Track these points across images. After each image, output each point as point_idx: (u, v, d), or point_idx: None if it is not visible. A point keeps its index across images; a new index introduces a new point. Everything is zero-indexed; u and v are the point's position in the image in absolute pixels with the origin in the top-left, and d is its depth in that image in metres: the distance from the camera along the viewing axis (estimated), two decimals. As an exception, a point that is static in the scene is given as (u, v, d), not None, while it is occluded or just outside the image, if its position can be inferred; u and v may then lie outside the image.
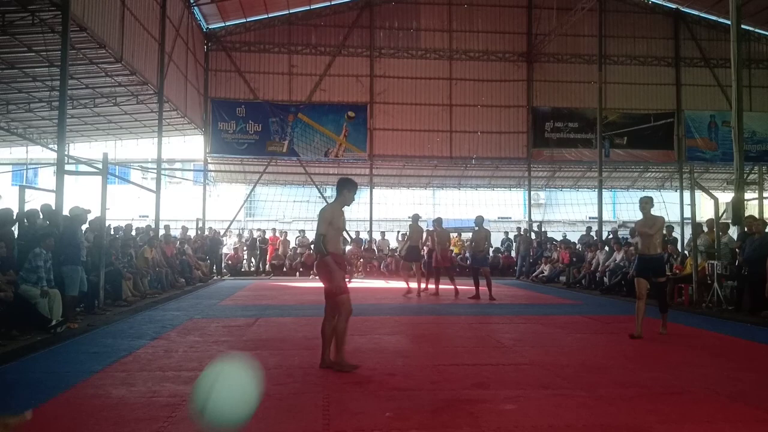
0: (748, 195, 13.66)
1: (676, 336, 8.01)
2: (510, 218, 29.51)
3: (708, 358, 6.65)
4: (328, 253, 5.62)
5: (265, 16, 22.31)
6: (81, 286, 8.83)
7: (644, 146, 23.49)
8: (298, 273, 19.72)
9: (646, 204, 7.79)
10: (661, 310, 7.99)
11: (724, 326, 8.99)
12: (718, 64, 23.46)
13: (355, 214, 22.57)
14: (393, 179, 24.47)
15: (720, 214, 12.27)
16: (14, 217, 9.32)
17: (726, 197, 17.03)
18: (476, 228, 13.19)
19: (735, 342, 7.77)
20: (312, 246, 20.55)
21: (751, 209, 14.65)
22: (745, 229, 11.14)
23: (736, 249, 11.10)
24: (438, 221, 13.98)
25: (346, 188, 5.86)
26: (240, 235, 22.60)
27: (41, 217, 9.48)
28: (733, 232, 12.23)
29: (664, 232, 9.44)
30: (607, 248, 16.01)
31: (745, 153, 12.24)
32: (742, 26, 14.09)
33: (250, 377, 2.42)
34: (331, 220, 5.67)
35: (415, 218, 13.65)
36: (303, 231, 22.20)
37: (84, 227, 10.12)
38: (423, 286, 13.58)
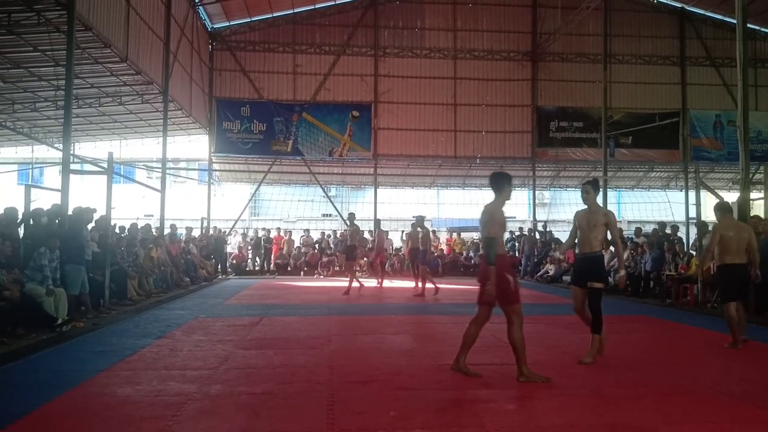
0: (753, 195, 13.60)
1: (680, 336, 7.99)
2: (515, 218, 29.41)
3: (713, 358, 6.63)
4: (497, 257, 5.24)
5: (270, 15, 22.34)
6: (82, 288, 8.86)
7: (649, 146, 23.42)
8: (302, 272, 19.73)
9: (588, 191, 6.14)
10: (592, 329, 6.01)
11: (730, 326, 8.93)
12: (724, 63, 23.36)
13: (359, 213, 22.59)
14: (397, 179, 24.47)
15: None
16: (19, 217, 9.36)
17: (731, 197, 16.99)
18: (415, 227, 13.44)
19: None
20: (317, 245, 20.64)
21: (757, 209, 14.60)
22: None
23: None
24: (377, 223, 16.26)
25: (506, 183, 5.46)
26: (245, 235, 22.65)
27: (45, 216, 9.51)
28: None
29: (617, 230, 6.33)
30: (612, 248, 15.95)
31: (750, 152, 12.15)
32: (748, 25, 14.01)
33: None
34: (502, 220, 5.31)
35: (420, 220, 13.56)
36: (308, 230, 22.25)
37: (90, 226, 10.16)
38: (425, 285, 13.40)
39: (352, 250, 13.59)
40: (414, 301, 12.35)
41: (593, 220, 6.00)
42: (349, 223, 13.86)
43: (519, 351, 5.23)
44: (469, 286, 13.57)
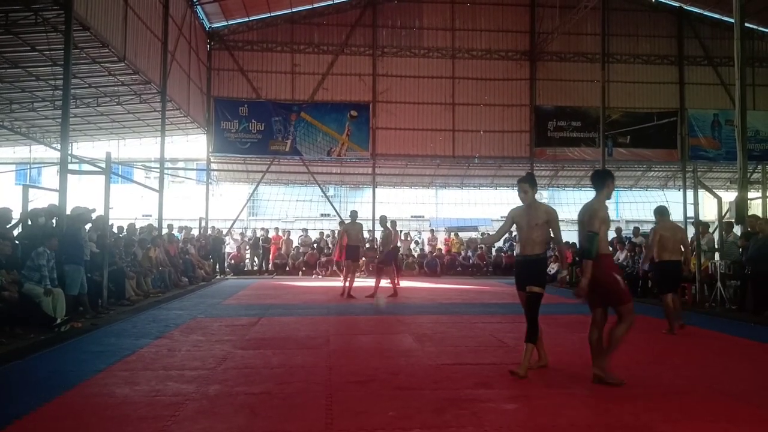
0: (751, 194, 13.65)
1: (679, 335, 7.99)
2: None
3: (711, 357, 6.64)
4: (603, 257, 5.12)
5: (268, 15, 22.31)
6: (80, 288, 8.85)
7: (647, 145, 23.44)
8: (300, 272, 19.73)
9: (525, 190, 5.66)
10: (526, 336, 5.49)
11: (728, 326, 8.96)
12: (722, 62, 23.37)
13: (359, 213, 22.54)
14: (396, 178, 24.47)
15: (723, 214, 12.25)
16: (12, 216, 9.32)
17: (729, 196, 16.99)
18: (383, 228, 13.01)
19: (738, 342, 7.75)
20: (315, 245, 20.63)
21: (755, 208, 14.63)
22: (749, 229, 11.12)
23: (740, 248, 11.08)
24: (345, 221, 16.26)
25: (609, 179, 5.35)
26: (242, 234, 22.63)
27: (43, 216, 9.49)
28: (736, 230, 12.20)
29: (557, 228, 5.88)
30: (610, 247, 15.96)
31: (748, 152, 12.18)
32: (746, 24, 14.03)
33: None
34: (605, 217, 5.15)
35: (384, 219, 13.11)
36: (306, 230, 22.24)
37: (87, 226, 10.14)
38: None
39: (356, 251, 13.08)
40: (413, 301, 12.34)
41: (533, 219, 5.50)
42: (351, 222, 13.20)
43: (611, 349, 5.14)
44: (468, 287, 13.57)
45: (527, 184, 5.64)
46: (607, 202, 5.32)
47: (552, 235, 5.60)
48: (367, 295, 12.41)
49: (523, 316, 5.61)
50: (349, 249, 12.98)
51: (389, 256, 12.90)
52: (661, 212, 8.41)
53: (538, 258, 5.49)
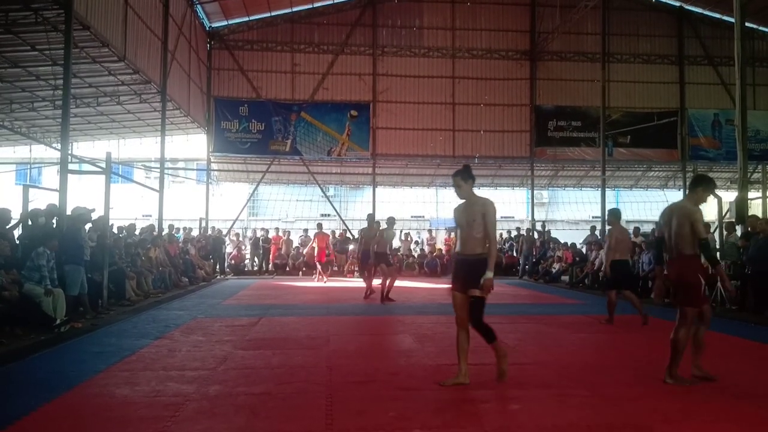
0: (751, 194, 13.64)
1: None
2: (513, 217, 29.49)
3: (712, 357, 6.61)
4: (693, 259, 5.14)
5: (268, 14, 22.31)
6: (81, 288, 8.85)
7: (647, 145, 23.44)
8: (300, 272, 19.72)
9: (459, 184, 5.28)
10: (486, 339, 5.12)
11: (728, 326, 8.96)
12: (722, 62, 23.35)
13: (358, 213, 22.59)
14: (396, 178, 24.46)
15: (724, 214, 12.24)
16: (12, 217, 9.32)
17: (730, 196, 17.00)
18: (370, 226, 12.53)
19: (739, 342, 7.75)
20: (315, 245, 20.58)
21: (755, 208, 14.62)
22: (749, 229, 11.11)
23: (740, 248, 11.07)
24: (319, 225, 18.06)
25: (702, 186, 5.30)
26: (238, 235, 22.63)
27: (43, 216, 9.49)
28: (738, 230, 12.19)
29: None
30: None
31: (748, 152, 12.20)
32: (746, 24, 14.03)
33: None
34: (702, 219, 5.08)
35: (371, 218, 12.85)
36: (306, 230, 22.22)
37: (87, 226, 10.14)
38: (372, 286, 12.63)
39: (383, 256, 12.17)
40: (414, 301, 12.33)
41: (471, 215, 5.09)
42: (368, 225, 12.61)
43: (678, 352, 5.11)
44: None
45: (458, 178, 5.24)
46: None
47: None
48: (386, 299, 11.74)
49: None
50: (376, 254, 12.00)
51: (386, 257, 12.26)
52: (617, 216, 9.15)
53: (479, 258, 5.01)
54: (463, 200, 5.27)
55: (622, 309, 11.12)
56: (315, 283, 16.76)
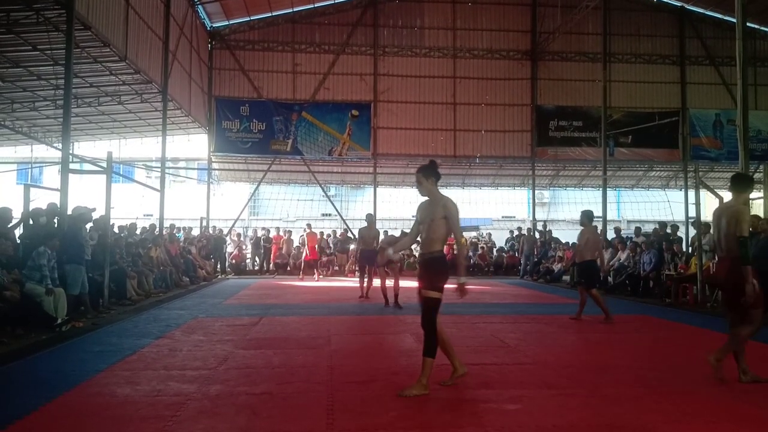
0: (753, 194, 13.59)
1: (680, 335, 7.99)
2: (514, 217, 29.48)
3: (713, 357, 6.62)
4: (749, 261, 5.10)
5: (269, 14, 22.31)
6: (82, 288, 8.86)
7: (649, 145, 23.43)
8: (301, 272, 19.70)
9: (420, 181, 5.14)
10: (424, 350, 4.88)
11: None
12: (723, 62, 23.34)
13: (359, 213, 22.54)
14: (397, 178, 24.44)
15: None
16: (13, 216, 9.34)
17: (731, 196, 16.93)
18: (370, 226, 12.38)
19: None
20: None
21: (757, 208, 14.59)
22: (751, 229, 11.09)
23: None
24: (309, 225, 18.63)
25: (747, 185, 5.38)
26: (239, 235, 22.64)
27: (44, 216, 9.51)
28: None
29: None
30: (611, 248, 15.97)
31: (750, 152, 12.16)
32: (748, 24, 14.02)
33: None
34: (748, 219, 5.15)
35: (370, 218, 12.65)
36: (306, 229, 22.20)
37: (88, 226, 10.15)
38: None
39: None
40: (415, 301, 12.28)
41: (431, 214, 4.93)
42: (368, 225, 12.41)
43: (740, 350, 5.18)
44: (470, 287, 13.49)
45: (420, 174, 5.07)
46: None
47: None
48: (394, 303, 11.23)
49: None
50: (371, 253, 11.80)
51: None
52: (589, 217, 9.58)
53: (433, 257, 4.86)
54: (425, 198, 5.12)
55: (623, 309, 11.14)
56: (303, 282, 16.96)
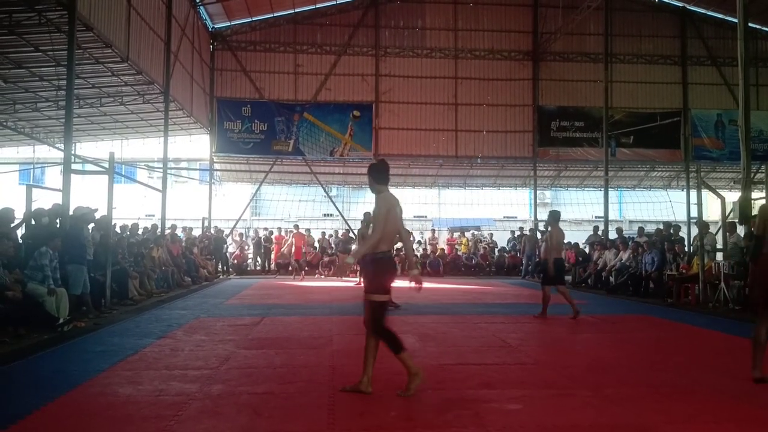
0: (755, 194, 13.58)
1: (682, 336, 7.98)
2: (515, 218, 29.45)
3: (714, 358, 6.62)
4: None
5: (271, 15, 22.34)
6: (83, 288, 8.87)
7: (650, 145, 23.42)
8: (303, 272, 19.72)
9: (370, 184, 5.00)
10: (392, 350, 4.73)
11: (731, 326, 8.93)
12: (725, 62, 23.34)
13: (361, 213, 22.47)
14: (398, 178, 24.41)
15: (727, 214, 12.22)
16: (15, 216, 9.35)
17: (733, 196, 16.97)
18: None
19: (742, 342, 7.70)
20: (317, 245, 20.62)
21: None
22: (752, 229, 11.07)
23: (744, 248, 11.04)
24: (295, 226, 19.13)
25: None
26: (241, 235, 22.66)
27: (46, 216, 9.52)
28: (740, 231, 12.17)
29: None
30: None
31: (752, 152, 12.15)
32: (749, 24, 14.01)
33: None
34: None
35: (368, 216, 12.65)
36: (308, 230, 22.21)
37: (91, 226, 10.16)
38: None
39: None
40: (416, 301, 12.30)
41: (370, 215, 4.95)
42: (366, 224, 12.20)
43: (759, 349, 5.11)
44: (471, 287, 13.56)
45: (369, 175, 4.98)
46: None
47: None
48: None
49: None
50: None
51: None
52: (556, 218, 9.92)
53: (375, 258, 4.75)
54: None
55: (625, 310, 11.14)
56: (303, 282, 17.07)
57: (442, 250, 21.91)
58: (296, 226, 19.35)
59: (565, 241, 19.93)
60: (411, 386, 4.64)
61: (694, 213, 12.62)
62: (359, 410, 4.34)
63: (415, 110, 22.91)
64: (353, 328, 8.61)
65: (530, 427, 4.04)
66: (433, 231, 24.20)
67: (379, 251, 4.77)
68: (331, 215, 26.28)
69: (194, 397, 4.63)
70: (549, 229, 10.09)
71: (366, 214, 12.79)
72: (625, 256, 14.54)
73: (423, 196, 26.73)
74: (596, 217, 24.72)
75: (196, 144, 24.89)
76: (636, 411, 4.35)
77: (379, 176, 4.92)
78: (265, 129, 22.22)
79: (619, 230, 17.81)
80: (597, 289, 15.05)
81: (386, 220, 4.72)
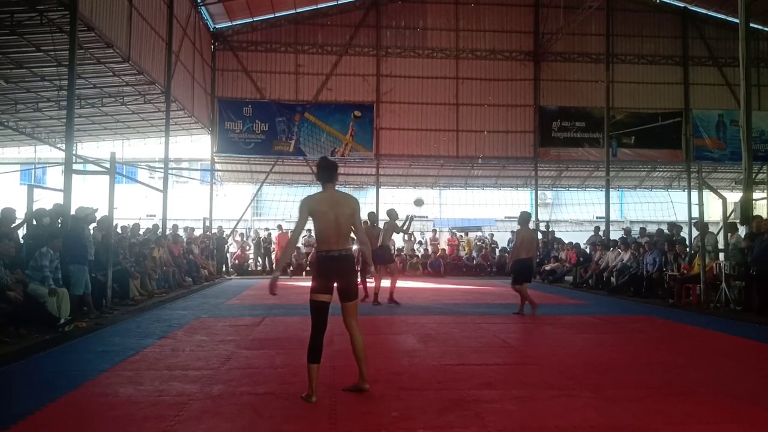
0: (756, 195, 13.57)
1: (683, 336, 7.97)
2: (516, 218, 29.40)
3: (715, 358, 6.62)
4: None
5: (272, 15, 22.34)
6: (85, 288, 8.88)
7: (652, 146, 23.40)
8: (304, 272, 19.73)
9: (320, 173, 4.93)
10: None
11: (732, 326, 8.94)
12: (727, 62, 23.31)
13: (362, 213, 22.44)
14: (399, 179, 24.45)
15: (728, 214, 12.21)
16: (16, 216, 9.36)
17: (734, 197, 16.91)
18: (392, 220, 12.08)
19: (743, 342, 7.72)
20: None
21: (760, 209, 14.56)
22: (754, 229, 11.07)
23: (745, 249, 11.04)
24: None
25: None
26: (242, 235, 22.65)
27: (47, 216, 9.53)
28: (742, 231, 12.16)
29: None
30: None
31: (753, 152, 12.15)
32: (751, 25, 13.99)
33: None
34: None
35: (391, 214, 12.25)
36: (309, 230, 22.20)
37: (92, 226, 10.17)
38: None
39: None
40: (417, 301, 12.32)
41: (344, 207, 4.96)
42: (369, 223, 12.08)
43: None
44: (472, 287, 13.56)
45: (323, 164, 4.98)
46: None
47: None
48: (391, 300, 11.38)
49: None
50: (373, 252, 10.68)
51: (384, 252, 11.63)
52: (526, 219, 10.27)
53: (316, 257, 4.90)
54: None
55: (626, 310, 11.14)
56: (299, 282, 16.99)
57: (443, 250, 21.89)
58: (279, 227, 19.84)
59: (567, 241, 20.18)
60: (307, 397, 4.52)
61: (695, 213, 12.61)
62: (360, 411, 4.35)
63: (416, 110, 22.91)
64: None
65: (531, 427, 4.04)
66: (434, 231, 24.20)
67: (321, 250, 4.81)
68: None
69: (195, 398, 4.63)
70: (518, 229, 10.40)
71: (371, 214, 12.84)
72: (626, 256, 14.54)
73: (424, 196, 26.65)
74: (597, 217, 24.69)
75: (197, 144, 24.91)
76: (637, 411, 4.35)
77: (318, 174, 4.95)
78: (266, 129, 22.22)
79: (627, 231, 17.80)
80: (598, 290, 15.04)
81: (306, 220, 4.79)
